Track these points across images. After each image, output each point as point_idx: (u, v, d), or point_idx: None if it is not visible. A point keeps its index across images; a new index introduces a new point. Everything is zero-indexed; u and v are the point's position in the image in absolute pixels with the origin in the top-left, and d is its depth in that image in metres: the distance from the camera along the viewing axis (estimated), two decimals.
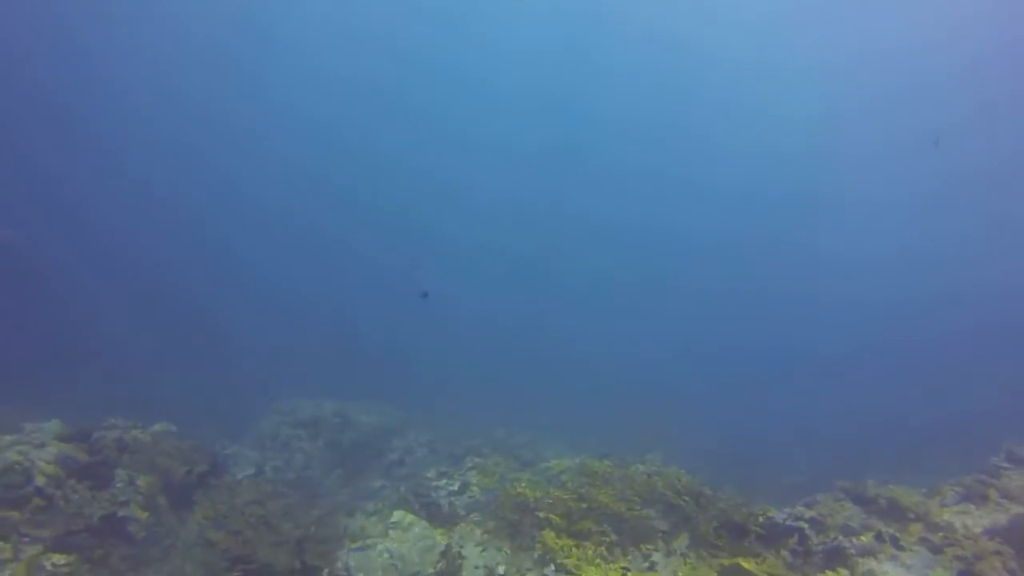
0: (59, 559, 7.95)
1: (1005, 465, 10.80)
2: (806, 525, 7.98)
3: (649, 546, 7.80)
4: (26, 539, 7.73)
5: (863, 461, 14.04)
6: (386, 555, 7.56)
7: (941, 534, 8.11)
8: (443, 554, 7.43)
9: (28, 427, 10.74)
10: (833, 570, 6.98)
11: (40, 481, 8.30)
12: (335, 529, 10.80)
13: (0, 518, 7.59)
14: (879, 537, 7.72)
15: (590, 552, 7.30)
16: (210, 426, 16.33)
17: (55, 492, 8.50)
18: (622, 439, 13.78)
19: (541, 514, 7.91)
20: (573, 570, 6.72)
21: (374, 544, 7.86)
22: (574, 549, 7.26)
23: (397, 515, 9.17)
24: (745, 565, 6.85)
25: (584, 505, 8.05)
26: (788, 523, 8.08)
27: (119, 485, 9.96)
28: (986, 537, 8.29)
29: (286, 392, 19.90)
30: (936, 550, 7.73)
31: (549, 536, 7.33)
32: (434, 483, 11.63)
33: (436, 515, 10.02)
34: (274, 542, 9.57)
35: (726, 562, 7.13)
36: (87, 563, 8.68)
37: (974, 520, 8.98)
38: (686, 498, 8.59)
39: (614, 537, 7.92)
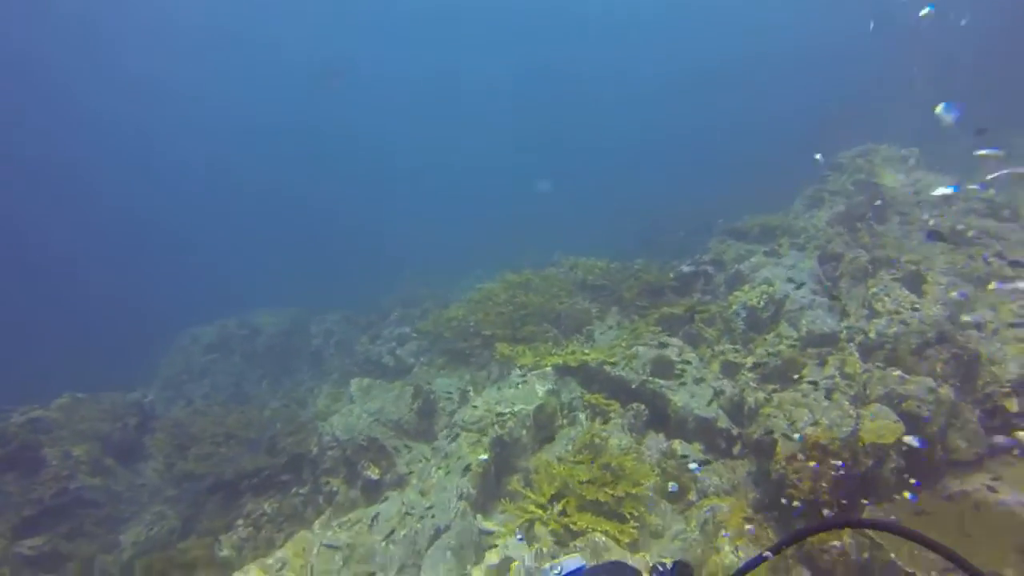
0: (34, 542, 7.70)
1: (828, 173, 13.07)
2: (708, 267, 9.38)
3: (588, 327, 8.88)
4: None
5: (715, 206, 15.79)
6: (363, 415, 8.01)
7: (803, 236, 9.94)
8: (414, 395, 8.01)
9: None
10: (739, 289, 8.44)
11: None
12: (300, 417, 11.14)
13: None
14: (763, 252, 9.33)
15: (542, 349, 8.19)
16: (116, 383, 15.14)
17: None
18: (521, 253, 14.38)
19: (486, 332, 8.58)
20: (536, 367, 7.57)
21: (349, 411, 8.25)
22: (527, 351, 8.08)
23: (354, 383, 9.53)
24: (673, 310, 8.09)
25: (522, 311, 8.82)
26: (693, 270, 9.45)
27: (54, 463, 9.39)
28: (828, 226, 10.31)
29: (172, 328, 18.64)
30: (801, 247, 9.54)
31: (503, 347, 8.07)
32: (368, 347, 11.90)
33: (387, 371, 10.49)
34: (249, 449, 9.78)
35: (655, 315, 8.34)
36: (63, 538, 8.49)
37: (818, 219, 11.00)
38: (605, 278, 9.63)
39: (556, 331, 8.89)
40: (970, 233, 9.07)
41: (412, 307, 13.28)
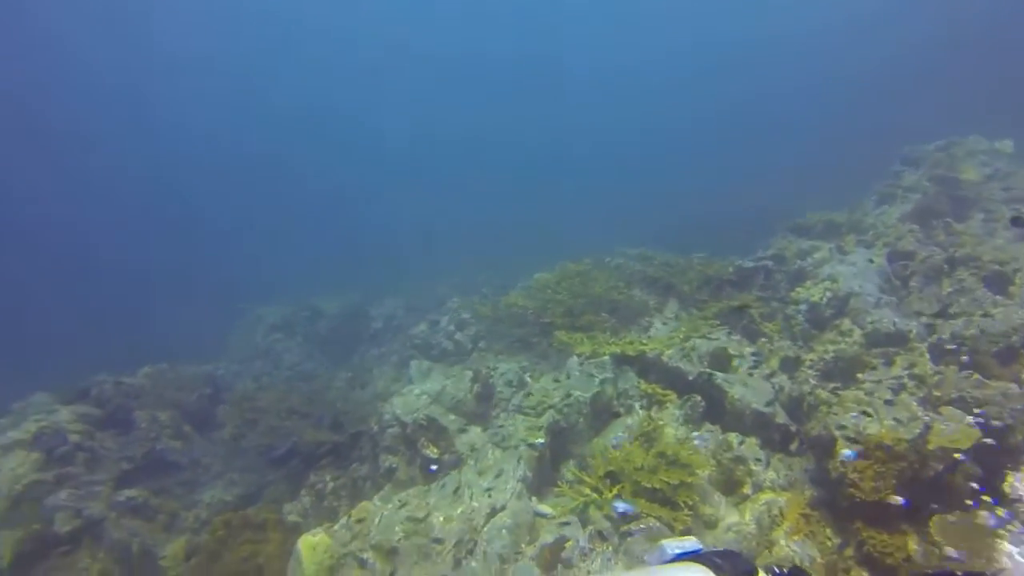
0: (131, 493, 8.44)
1: (900, 168, 12.46)
2: (769, 263, 9.20)
3: (646, 318, 8.88)
4: (90, 485, 8.06)
5: (791, 203, 15.46)
6: (423, 396, 8.31)
7: (871, 233, 9.57)
8: (473, 379, 8.25)
9: (17, 405, 10.59)
10: (801, 286, 8.26)
11: (74, 438, 8.44)
12: (361, 397, 11.64)
13: (60, 473, 7.80)
14: (827, 249, 9.07)
15: (600, 338, 8.26)
16: (186, 356, 16.15)
17: (92, 444, 8.70)
18: (584, 243, 14.43)
19: (545, 319, 8.72)
20: (594, 355, 7.66)
21: (409, 391, 8.58)
22: (585, 339, 8.17)
23: (414, 364, 9.88)
24: (732, 304, 8.00)
25: (581, 300, 8.90)
26: (754, 265, 9.28)
27: (143, 425, 10.18)
28: (900, 223, 9.88)
29: (237, 310, 19.72)
30: (869, 245, 9.20)
31: (561, 335, 8.19)
32: (427, 331, 12.24)
33: (446, 356, 10.80)
34: (313, 425, 10.31)
35: (714, 309, 8.27)
36: (152, 494, 9.25)
37: (889, 216, 10.55)
38: (664, 271, 9.59)
39: (614, 321, 8.93)
40: None
41: (470, 294, 13.56)
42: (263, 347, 17.10)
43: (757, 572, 1.72)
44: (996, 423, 5.36)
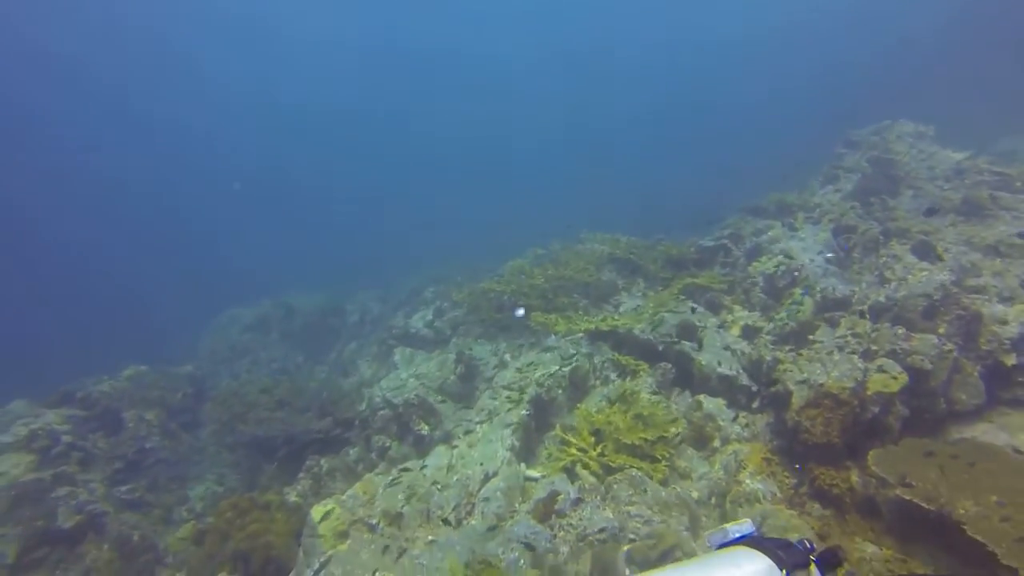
0: (126, 488, 8.68)
1: (843, 151, 13.47)
2: (727, 241, 9.95)
3: (616, 297, 9.53)
4: (86, 483, 8.27)
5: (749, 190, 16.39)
6: (410, 379, 8.78)
7: (817, 211, 10.45)
8: (456, 360, 8.75)
9: None
10: (757, 260, 9.03)
11: (67, 439, 8.59)
12: (345, 386, 11.98)
13: (56, 472, 7.98)
14: (779, 227, 9.88)
15: (574, 317, 8.87)
16: (159, 360, 16.14)
17: (85, 444, 8.87)
18: (552, 230, 15.01)
19: (521, 302, 9.27)
20: (569, 332, 8.26)
21: (396, 376, 9.03)
22: (560, 319, 8.76)
23: (397, 351, 10.32)
24: (697, 282, 8.71)
25: (553, 283, 9.49)
26: (713, 244, 10.03)
27: (131, 425, 10.35)
28: (842, 201, 10.81)
29: (208, 312, 19.74)
30: (816, 221, 10.06)
31: (537, 316, 8.76)
32: (406, 321, 12.66)
33: (426, 344, 11.25)
34: (301, 414, 10.64)
35: (679, 285, 8.96)
36: (145, 489, 9.47)
37: (833, 195, 11.50)
38: (630, 253, 10.25)
39: (586, 301, 9.55)
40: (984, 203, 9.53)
41: (444, 284, 14.00)
42: (239, 346, 17.20)
43: (811, 565, 1.92)
44: (919, 369, 6.19)
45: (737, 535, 2.15)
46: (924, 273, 7.63)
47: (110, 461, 9.16)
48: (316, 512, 6.08)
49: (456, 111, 52.33)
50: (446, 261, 18.69)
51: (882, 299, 7.48)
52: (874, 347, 6.56)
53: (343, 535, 5.92)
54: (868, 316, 7.25)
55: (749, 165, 21.58)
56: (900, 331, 6.62)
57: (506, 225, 23.02)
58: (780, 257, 8.97)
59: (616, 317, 8.40)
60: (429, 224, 29.77)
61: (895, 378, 6.02)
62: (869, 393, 5.98)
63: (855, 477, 5.80)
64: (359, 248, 28.33)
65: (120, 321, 22.35)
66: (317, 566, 5.64)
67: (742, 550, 1.98)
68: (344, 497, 6.33)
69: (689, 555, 4.91)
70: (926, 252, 8.29)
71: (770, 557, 1.89)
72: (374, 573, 5.44)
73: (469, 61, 51.88)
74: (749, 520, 2.25)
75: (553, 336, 8.41)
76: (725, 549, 2.05)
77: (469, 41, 50.41)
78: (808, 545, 2.02)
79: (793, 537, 2.15)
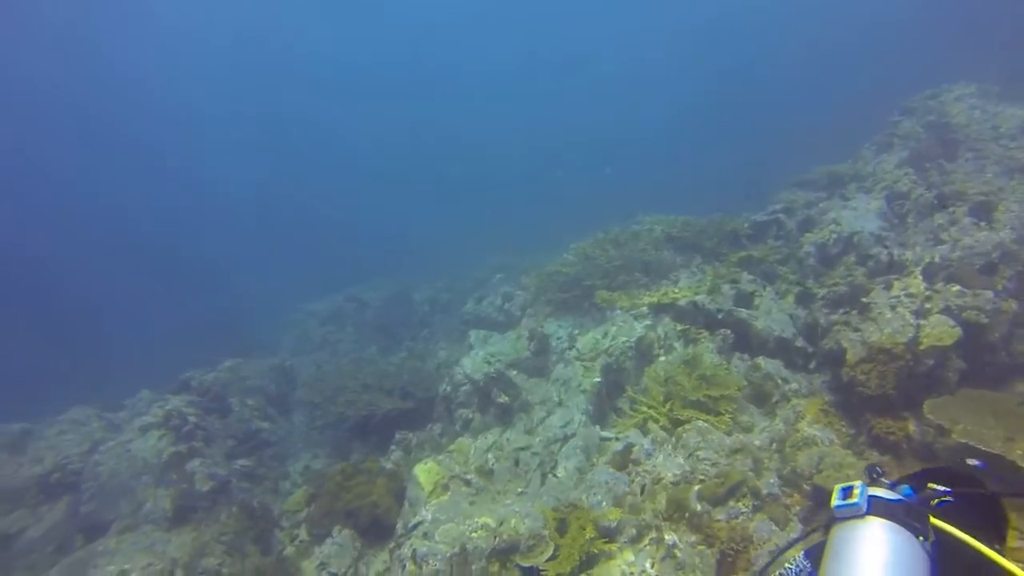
0: (243, 462, 9.94)
1: (898, 118, 13.41)
2: (780, 215, 10.30)
3: (674, 273, 10.08)
4: (211, 456, 9.54)
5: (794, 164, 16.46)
6: (487, 357, 9.60)
7: (870, 180, 10.64)
8: (529, 337, 9.51)
9: (127, 401, 12.13)
10: (809, 231, 9.39)
11: (192, 419, 9.89)
12: (424, 369, 12.98)
13: (190, 447, 9.26)
14: (831, 198, 10.17)
15: (636, 293, 9.48)
16: (247, 353, 17.61)
17: (205, 424, 10.16)
18: (607, 215, 15.53)
19: (586, 282, 9.94)
20: (633, 307, 8.88)
21: (474, 355, 9.87)
22: (623, 296, 9.39)
23: (472, 333, 11.16)
24: (753, 254, 9.16)
25: (615, 264, 10.11)
26: (766, 218, 10.40)
27: (237, 409, 11.64)
28: (896, 168, 10.93)
29: (289, 305, 21.19)
30: (868, 190, 10.28)
31: (602, 294, 9.41)
32: (475, 307, 13.52)
33: (497, 326, 12.06)
34: (387, 395, 11.68)
35: (734, 259, 9.43)
36: (256, 464, 10.72)
37: (887, 163, 11.59)
38: (686, 231, 10.75)
39: (646, 279, 10.14)
40: None
41: (509, 272, 14.79)
42: (317, 339, 18.54)
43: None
44: (976, 323, 6.52)
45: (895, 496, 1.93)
46: (982, 233, 7.85)
47: (224, 439, 10.42)
48: (418, 469, 6.99)
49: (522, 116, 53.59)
50: (506, 252, 19.49)
51: (937, 259, 7.76)
52: (928, 305, 6.90)
53: (444, 488, 6.80)
54: (922, 277, 7.55)
55: (794, 140, 21.41)
56: (955, 288, 6.93)
57: (564, 217, 23.68)
58: (832, 226, 9.28)
59: (676, 290, 8.96)
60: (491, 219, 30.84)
61: (949, 332, 6.38)
62: (922, 347, 6.37)
63: (912, 426, 6.22)
64: (423, 246, 29.59)
65: (211, 320, 24.27)
66: (424, 513, 6.53)
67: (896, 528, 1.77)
68: (441, 457, 7.21)
69: (754, 492, 5.52)
70: (985, 213, 8.45)
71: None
72: (475, 518, 6.28)
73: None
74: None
75: (618, 311, 9.04)
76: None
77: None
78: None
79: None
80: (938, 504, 1.90)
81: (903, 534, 1.73)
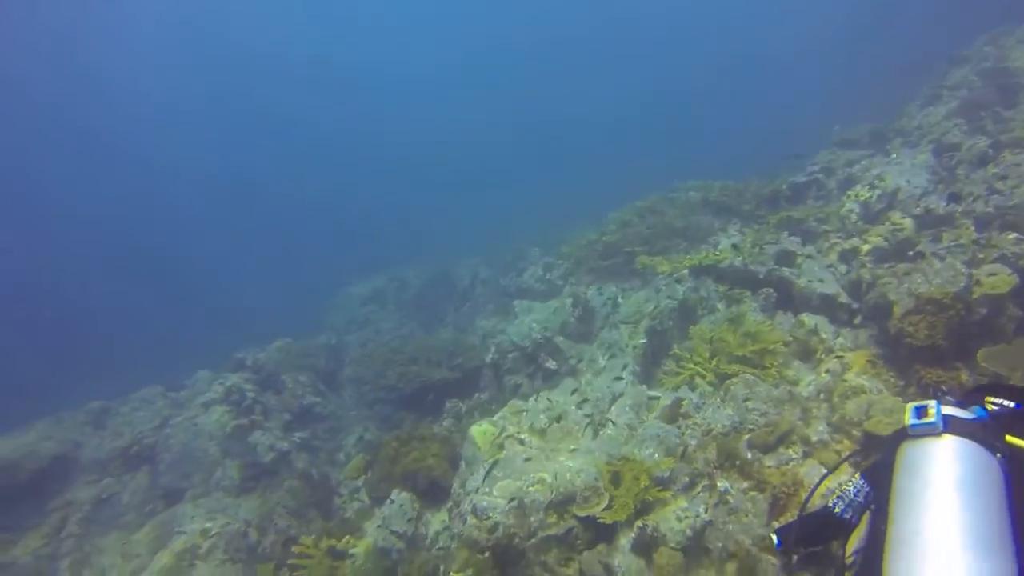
0: (300, 434, 10.51)
1: (947, 69, 12.96)
2: (819, 175, 10.18)
3: (713, 237, 10.10)
4: (270, 429, 10.13)
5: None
6: (533, 324, 9.84)
7: (916, 134, 10.39)
8: (573, 304, 9.72)
9: (188, 381, 12.82)
10: (851, 190, 9.28)
11: (251, 395, 10.46)
12: (469, 340, 13.32)
13: (251, 420, 9.82)
14: (873, 155, 9.98)
15: (676, 258, 9.56)
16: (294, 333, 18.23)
17: (262, 399, 10.74)
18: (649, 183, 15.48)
19: (626, 248, 10.06)
20: (674, 271, 8.98)
21: (520, 323, 10.13)
22: (664, 260, 9.48)
23: (516, 303, 11.42)
24: (793, 215, 9.13)
25: (655, 229, 10.19)
26: (806, 179, 10.29)
27: (290, 386, 12.20)
28: (945, 120, 10.62)
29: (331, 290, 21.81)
30: (914, 144, 10.04)
31: (643, 259, 9.52)
32: (517, 279, 13.74)
33: (539, 295, 12.30)
34: (435, 366, 12.06)
35: (774, 220, 9.40)
36: (311, 437, 11.26)
37: (934, 115, 11.25)
38: (723, 195, 10.72)
39: (685, 243, 10.20)
40: None
41: (547, 244, 14.95)
42: (360, 318, 19.05)
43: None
44: None
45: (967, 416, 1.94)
46: None
47: (281, 413, 10.97)
48: (474, 430, 7.31)
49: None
50: (542, 229, 19.63)
51: (991, 209, 7.61)
52: (980, 254, 6.82)
53: (499, 447, 7.10)
54: (975, 227, 7.43)
55: (839, 102, 20.82)
56: (1010, 236, 6.82)
57: (601, 189, 23.70)
58: (876, 182, 9.15)
59: (716, 252, 9.01)
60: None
61: (1005, 280, 6.31)
62: (976, 296, 6.32)
63: (965, 375, 6.20)
64: (456, 232, 30.11)
65: (256, 302, 25.27)
66: (483, 471, 6.85)
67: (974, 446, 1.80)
68: (495, 418, 7.52)
69: (803, 439, 5.65)
70: None
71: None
72: (531, 474, 6.57)
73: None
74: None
75: (660, 275, 9.15)
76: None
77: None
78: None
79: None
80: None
81: (979, 450, 1.77)
